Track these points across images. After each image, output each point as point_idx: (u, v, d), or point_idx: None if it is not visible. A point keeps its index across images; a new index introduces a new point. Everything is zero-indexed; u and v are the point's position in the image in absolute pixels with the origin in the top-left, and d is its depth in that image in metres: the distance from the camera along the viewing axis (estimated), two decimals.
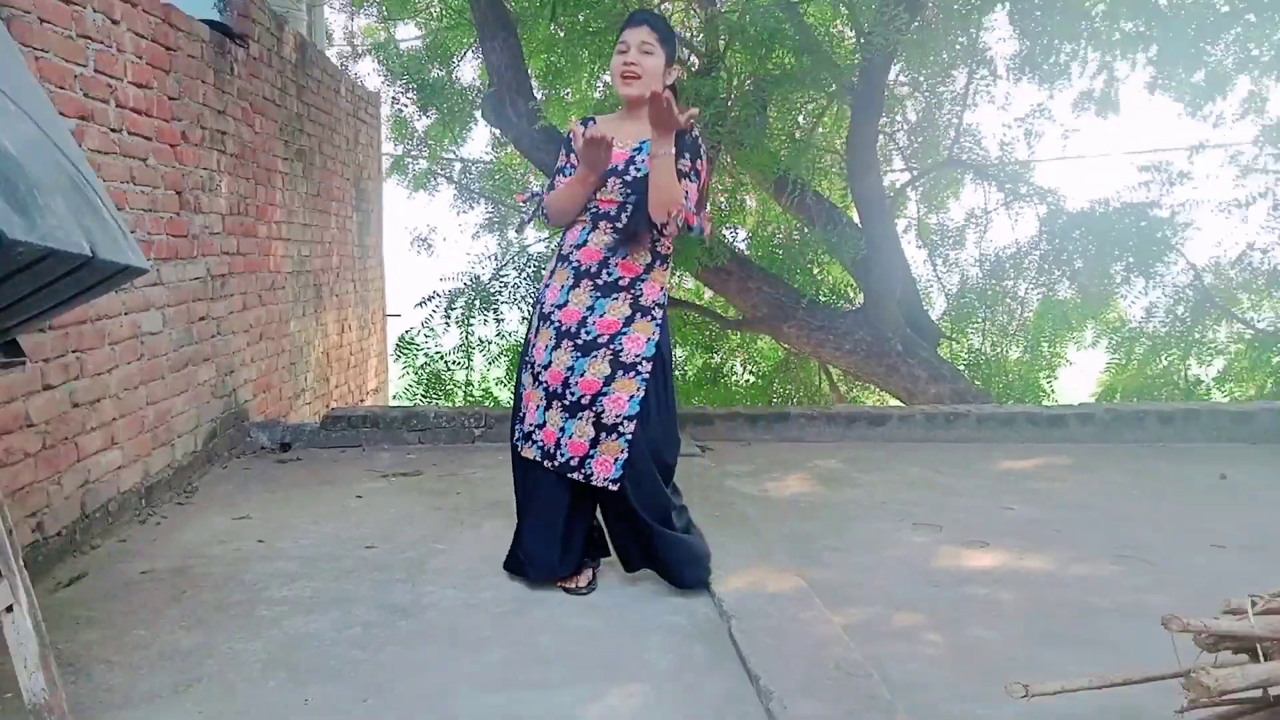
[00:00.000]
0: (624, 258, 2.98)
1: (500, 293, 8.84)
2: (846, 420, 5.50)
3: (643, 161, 2.95)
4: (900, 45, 6.50)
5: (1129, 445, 5.27)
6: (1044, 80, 7.80)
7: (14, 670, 2.09)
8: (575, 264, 3.01)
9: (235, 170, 4.97)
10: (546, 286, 3.07)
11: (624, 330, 2.97)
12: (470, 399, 8.87)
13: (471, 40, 8.80)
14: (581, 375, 2.96)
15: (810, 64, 6.97)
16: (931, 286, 9.22)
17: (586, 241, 3.01)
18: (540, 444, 3.03)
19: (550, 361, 2.99)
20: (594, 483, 2.96)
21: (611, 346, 2.96)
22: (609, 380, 2.95)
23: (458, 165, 10.73)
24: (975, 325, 8.73)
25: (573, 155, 3.04)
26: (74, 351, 3.45)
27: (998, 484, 4.52)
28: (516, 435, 3.10)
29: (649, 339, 2.99)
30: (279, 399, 5.70)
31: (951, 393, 7.19)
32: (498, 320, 8.78)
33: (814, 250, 7.72)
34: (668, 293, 3.15)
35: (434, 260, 10.68)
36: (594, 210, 3.01)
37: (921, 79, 8.21)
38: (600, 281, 2.98)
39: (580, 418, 2.96)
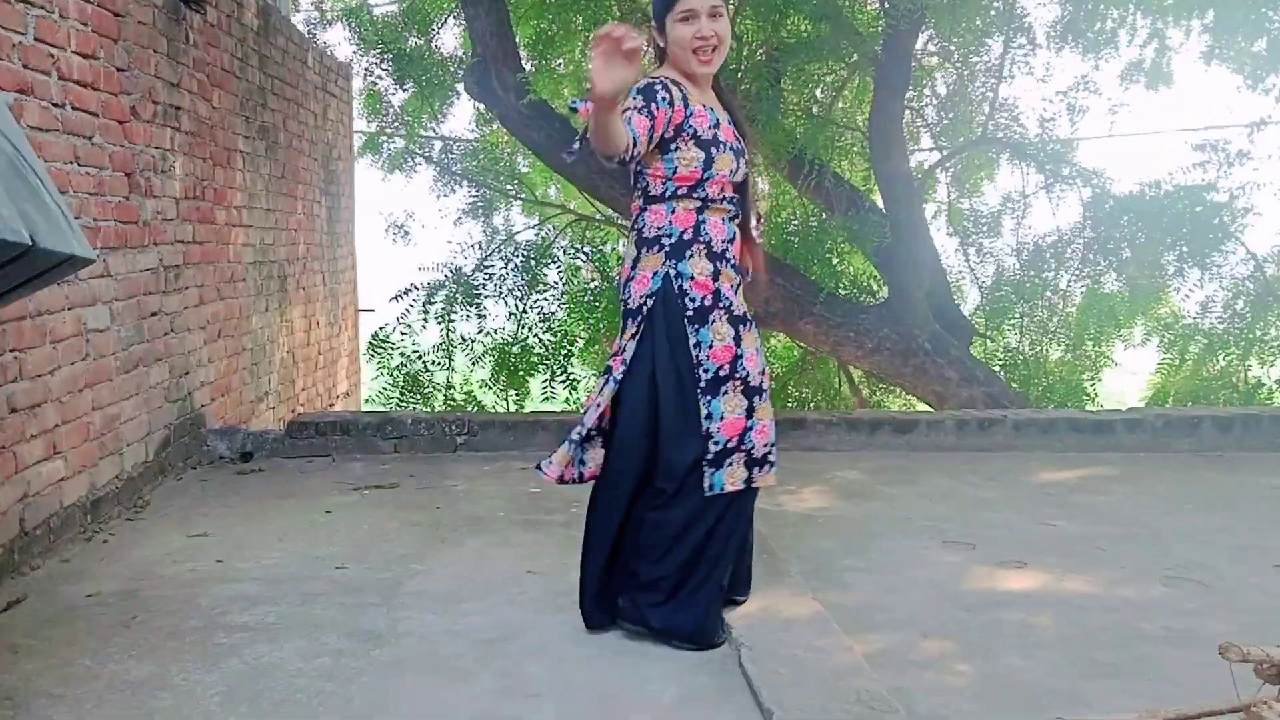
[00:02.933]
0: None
1: (485, 285, 8.84)
2: (869, 427, 5.50)
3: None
4: (929, 10, 6.51)
5: (1182, 455, 5.27)
6: (1088, 50, 7.81)
7: None
8: (733, 260, 2.99)
9: (191, 149, 4.97)
10: (718, 291, 2.90)
11: None
12: (451, 403, 8.86)
13: (453, 5, 8.80)
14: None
15: (829, 31, 6.98)
16: (963, 278, 9.22)
17: (735, 236, 2.99)
18: (749, 451, 2.90)
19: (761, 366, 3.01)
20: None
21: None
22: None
23: (438, 144, 10.74)
24: (1012, 321, 8.72)
25: (656, 105, 2.77)
26: (12, 351, 3.45)
27: (1036, 497, 4.52)
28: (718, 475, 2.87)
29: None
30: (239, 403, 5.71)
31: (985, 396, 7.20)
32: (481, 316, 8.78)
33: (833, 238, 7.73)
34: None
35: (411, 249, 10.70)
36: (729, 198, 2.96)
37: (952, 48, 8.21)
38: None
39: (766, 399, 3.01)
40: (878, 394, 9.89)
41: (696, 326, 2.87)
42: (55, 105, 3.71)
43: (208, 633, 2.98)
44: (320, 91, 7.41)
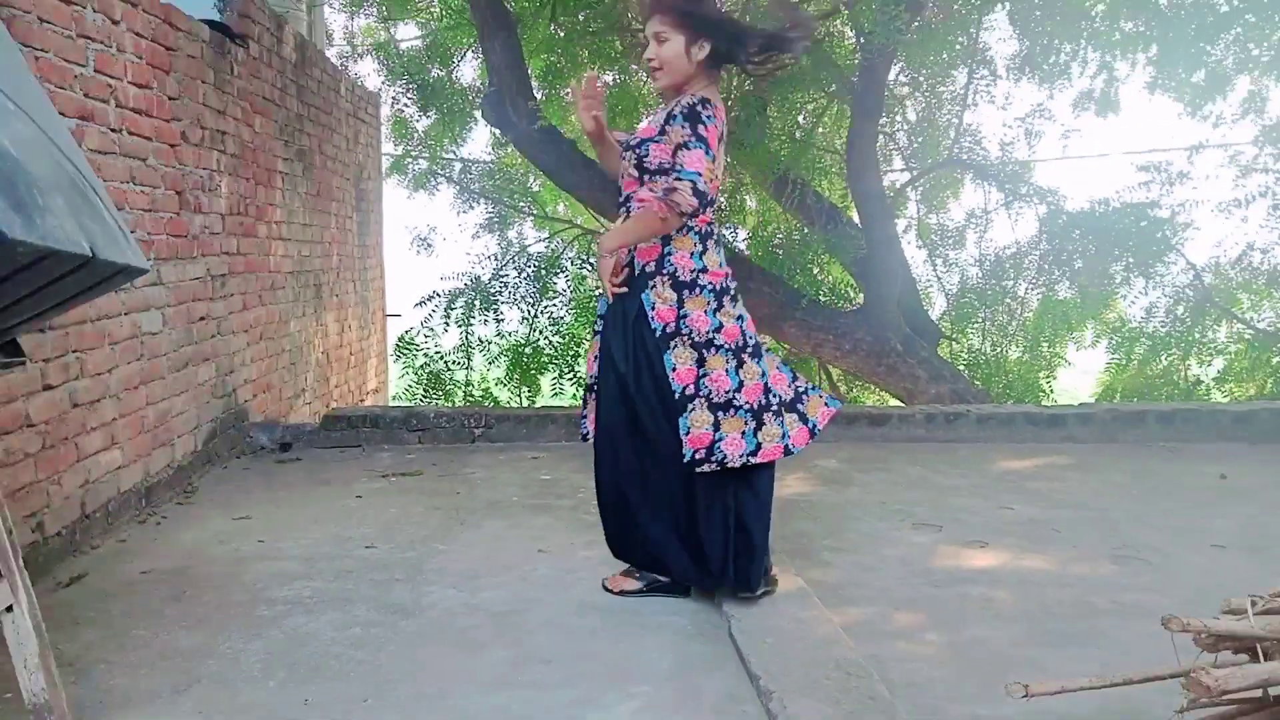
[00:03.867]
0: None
1: (500, 293, 8.86)
2: (846, 420, 5.48)
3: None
4: (900, 45, 6.51)
5: (1128, 445, 5.27)
6: (1044, 80, 7.82)
7: (14, 670, 2.09)
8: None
9: (235, 170, 4.97)
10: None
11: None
12: (470, 399, 8.88)
13: (471, 40, 8.80)
14: None
15: (811, 64, 6.98)
16: (931, 286, 9.23)
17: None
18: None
19: None
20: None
21: None
22: None
23: (458, 165, 10.74)
24: (975, 325, 8.74)
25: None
26: (74, 351, 3.45)
27: (997, 484, 4.51)
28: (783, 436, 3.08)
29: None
30: (279, 399, 5.70)
31: (951, 393, 7.19)
32: (498, 320, 8.80)
33: (814, 250, 7.73)
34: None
35: (434, 260, 10.75)
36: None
37: (921, 79, 8.22)
38: None
39: None
40: (854, 390, 9.89)
41: None
42: (113, 130, 3.70)
43: (250, 606, 2.98)
44: (352, 118, 7.40)
